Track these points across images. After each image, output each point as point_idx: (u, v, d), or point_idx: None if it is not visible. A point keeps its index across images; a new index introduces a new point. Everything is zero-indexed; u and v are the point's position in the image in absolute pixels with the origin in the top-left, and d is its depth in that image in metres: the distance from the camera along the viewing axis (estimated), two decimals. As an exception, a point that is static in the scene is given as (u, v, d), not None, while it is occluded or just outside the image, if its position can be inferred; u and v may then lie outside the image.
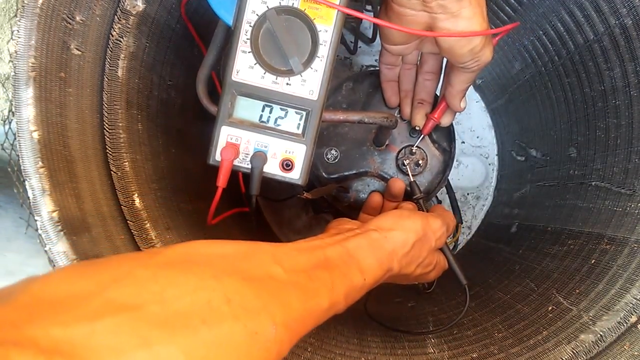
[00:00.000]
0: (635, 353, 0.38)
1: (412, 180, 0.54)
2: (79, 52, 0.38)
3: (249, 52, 0.38)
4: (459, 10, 0.37)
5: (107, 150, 0.42)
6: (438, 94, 0.54)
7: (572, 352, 0.39)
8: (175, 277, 0.23)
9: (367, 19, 0.38)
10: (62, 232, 0.35)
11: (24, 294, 0.20)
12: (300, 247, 0.34)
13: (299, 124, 0.40)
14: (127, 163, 0.43)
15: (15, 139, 0.35)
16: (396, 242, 0.40)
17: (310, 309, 0.29)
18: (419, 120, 0.53)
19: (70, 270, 0.23)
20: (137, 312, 0.20)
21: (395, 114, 0.56)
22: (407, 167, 0.55)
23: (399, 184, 0.51)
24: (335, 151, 0.56)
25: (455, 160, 0.60)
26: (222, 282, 0.24)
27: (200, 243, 0.28)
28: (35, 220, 0.35)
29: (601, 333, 0.39)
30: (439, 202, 0.73)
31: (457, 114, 0.55)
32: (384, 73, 0.51)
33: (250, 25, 0.37)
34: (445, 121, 0.52)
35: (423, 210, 0.51)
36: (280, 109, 0.40)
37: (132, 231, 0.42)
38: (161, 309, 0.21)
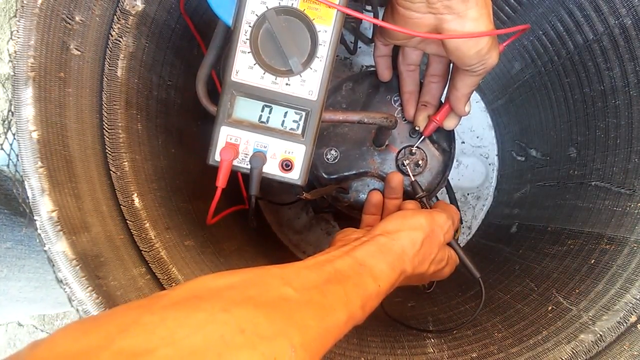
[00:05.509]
0: (635, 353, 0.38)
1: (413, 179, 0.54)
2: (79, 52, 0.38)
3: (248, 53, 0.38)
4: (465, 11, 0.37)
5: (107, 150, 0.42)
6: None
7: (572, 352, 0.39)
8: (183, 317, 0.23)
9: (368, 19, 0.38)
10: (61, 232, 0.35)
11: None
12: (308, 264, 0.33)
13: (299, 124, 0.40)
14: (126, 163, 0.43)
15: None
16: (405, 243, 0.40)
17: (328, 326, 0.29)
18: (420, 122, 0.53)
19: (73, 328, 0.22)
20: (149, 358, 0.20)
21: (396, 114, 0.56)
22: (407, 167, 0.55)
23: (397, 177, 0.51)
24: (335, 151, 0.56)
25: (455, 160, 0.60)
26: (233, 313, 0.24)
27: (206, 277, 0.27)
28: (35, 220, 0.35)
29: (601, 333, 0.39)
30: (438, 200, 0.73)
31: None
32: (379, 48, 0.50)
33: (249, 26, 0.37)
34: (449, 124, 0.52)
35: (427, 208, 0.51)
36: (280, 109, 0.40)
37: (132, 231, 0.42)
38: (174, 350, 0.21)
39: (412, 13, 0.38)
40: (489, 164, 0.76)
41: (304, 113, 0.40)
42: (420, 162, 0.55)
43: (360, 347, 0.46)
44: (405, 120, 0.56)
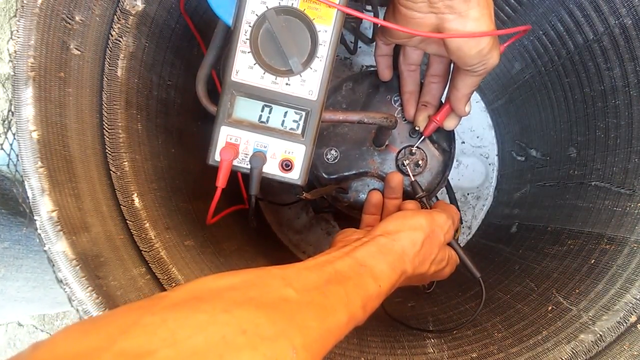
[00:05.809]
0: (635, 353, 0.38)
1: (413, 179, 0.54)
2: (79, 52, 0.38)
3: (248, 52, 0.38)
4: (467, 11, 0.37)
5: (107, 150, 0.42)
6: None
7: (572, 352, 0.39)
8: (184, 318, 0.23)
9: (368, 19, 0.38)
10: (61, 232, 0.35)
11: None
12: (309, 265, 0.33)
13: (299, 124, 0.40)
14: (126, 163, 0.43)
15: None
16: (405, 243, 0.40)
17: (329, 327, 0.29)
18: (420, 122, 0.53)
19: (74, 329, 0.23)
20: (150, 359, 0.20)
21: (396, 114, 0.56)
22: (407, 167, 0.55)
23: (397, 177, 0.51)
24: (335, 151, 0.56)
25: (455, 160, 0.60)
26: (234, 314, 0.24)
27: (206, 278, 0.27)
28: (35, 220, 0.35)
29: (601, 333, 0.39)
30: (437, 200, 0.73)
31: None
32: (380, 47, 0.50)
33: (249, 26, 0.37)
34: (449, 125, 0.52)
35: (427, 208, 0.51)
36: (280, 109, 0.40)
37: (132, 231, 0.42)
38: (175, 351, 0.21)
39: (413, 13, 0.38)
40: (489, 164, 0.76)
41: (304, 113, 0.40)
42: (420, 162, 0.55)
43: (360, 347, 0.46)
44: (405, 120, 0.56)
